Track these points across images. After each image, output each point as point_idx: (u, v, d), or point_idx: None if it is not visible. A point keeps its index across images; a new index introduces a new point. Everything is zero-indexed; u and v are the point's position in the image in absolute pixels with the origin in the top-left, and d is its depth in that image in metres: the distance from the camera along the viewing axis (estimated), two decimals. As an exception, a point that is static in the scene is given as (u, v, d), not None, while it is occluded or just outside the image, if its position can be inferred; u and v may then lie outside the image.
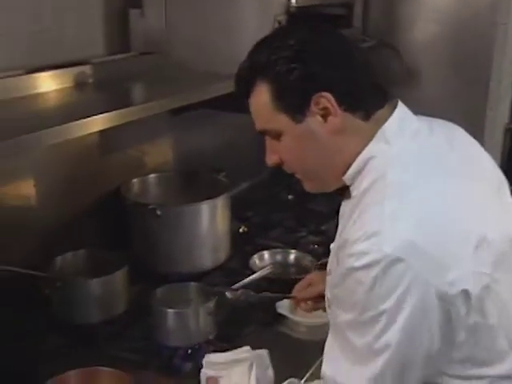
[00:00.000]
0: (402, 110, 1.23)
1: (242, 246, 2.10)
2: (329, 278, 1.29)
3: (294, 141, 1.21)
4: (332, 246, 1.35)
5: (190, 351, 1.56)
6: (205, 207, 1.92)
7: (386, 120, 1.19)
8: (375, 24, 2.76)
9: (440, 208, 1.11)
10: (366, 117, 1.19)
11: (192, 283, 1.73)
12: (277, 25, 1.90)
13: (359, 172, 1.19)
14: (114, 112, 1.52)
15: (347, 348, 1.12)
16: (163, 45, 1.99)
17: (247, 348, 1.43)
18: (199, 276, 1.87)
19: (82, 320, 1.67)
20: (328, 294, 1.30)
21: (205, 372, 1.42)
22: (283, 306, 1.72)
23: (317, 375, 1.49)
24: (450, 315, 1.06)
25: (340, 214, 1.30)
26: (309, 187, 1.31)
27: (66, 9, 1.81)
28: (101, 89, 1.77)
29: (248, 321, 1.67)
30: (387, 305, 1.05)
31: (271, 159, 1.27)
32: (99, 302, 1.67)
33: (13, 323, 1.62)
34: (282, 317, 1.71)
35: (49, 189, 1.81)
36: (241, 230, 2.21)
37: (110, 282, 1.69)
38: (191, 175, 2.17)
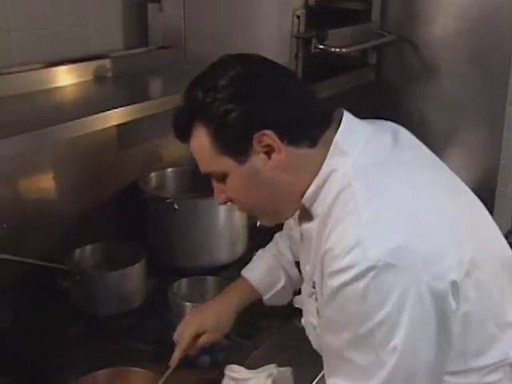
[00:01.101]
0: (348, 118, 1.19)
1: (260, 240, 2.09)
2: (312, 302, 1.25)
3: (239, 181, 1.17)
4: (307, 268, 1.25)
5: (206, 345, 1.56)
6: (222, 201, 1.92)
7: (334, 136, 1.16)
8: (394, 19, 2.74)
9: (414, 205, 1.09)
10: (313, 144, 1.16)
11: (209, 277, 1.73)
12: (296, 19, 1.89)
13: (320, 189, 1.15)
14: (132, 106, 1.53)
15: (351, 370, 1.08)
16: (181, 39, 2.00)
17: (273, 365, 1.41)
18: (216, 270, 1.88)
19: (99, 312, 1.68)
20: (312, 319, 1.28)
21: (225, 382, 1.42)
22: (300, 301, 1.71)
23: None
24: (446, 313, 1.04)
25: (303, 236, 1.26)
26: (265, 222, 1.29)
27: (85, 3, 1.83)
28: (119, 83, 1.78)
29: (265, 315, 1.67)
30: (385, 311, 1.01)
31: (220, 199, 1.24)
32: (117, 294, 1.68)
33: (31, 315, 1.64)
34: (299, 311, 1.71)
35: (67, 182, 1.82)
36: (258, 224, 2.20)
37: (128, 275, 1.70)
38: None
